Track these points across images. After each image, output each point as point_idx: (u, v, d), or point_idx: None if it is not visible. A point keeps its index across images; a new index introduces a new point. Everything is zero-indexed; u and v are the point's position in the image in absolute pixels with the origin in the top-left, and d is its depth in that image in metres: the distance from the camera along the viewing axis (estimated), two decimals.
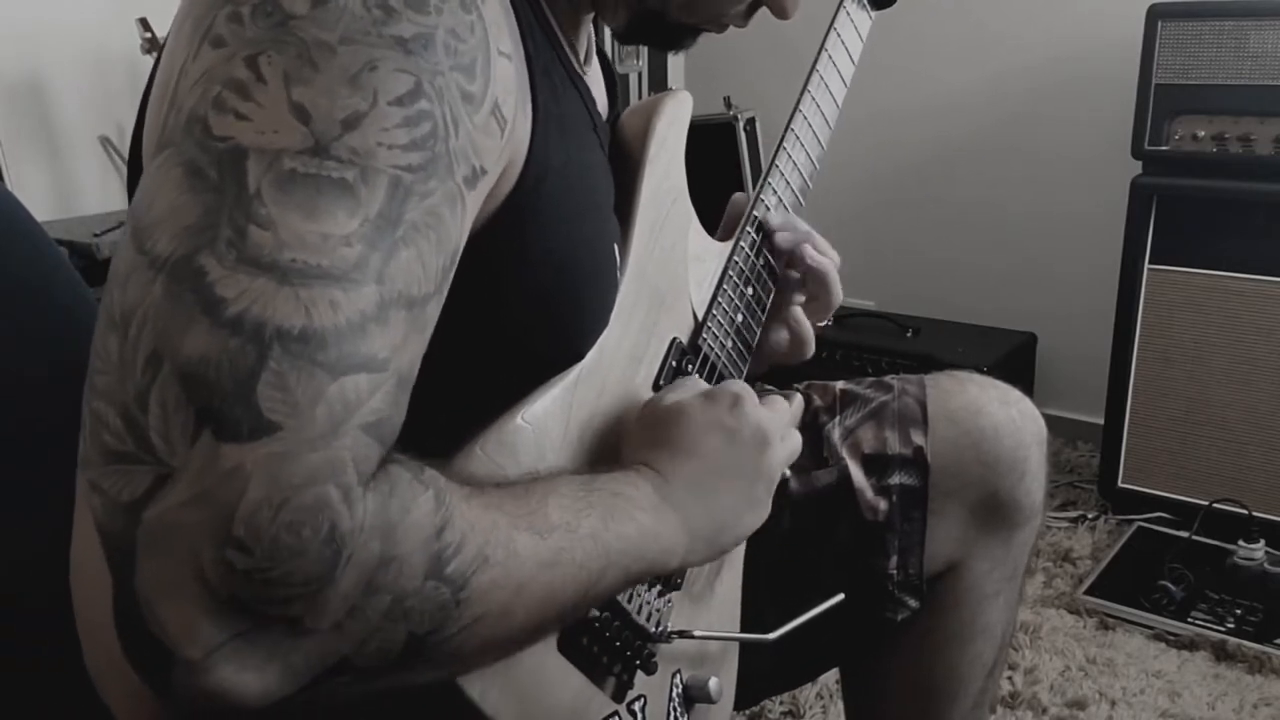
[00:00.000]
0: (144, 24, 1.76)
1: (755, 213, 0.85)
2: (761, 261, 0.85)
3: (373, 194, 0.47)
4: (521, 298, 0.62)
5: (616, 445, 0.69)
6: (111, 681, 0.64)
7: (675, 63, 2.76)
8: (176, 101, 0.49)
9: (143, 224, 0.47)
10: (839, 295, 0.88)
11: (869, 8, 0.93)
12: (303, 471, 0.43)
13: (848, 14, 0.91)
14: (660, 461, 0.66)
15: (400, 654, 0.48)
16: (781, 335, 0.91)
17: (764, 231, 0.85)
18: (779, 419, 0.75)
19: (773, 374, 0.95)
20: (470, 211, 0.54)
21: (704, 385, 0.73)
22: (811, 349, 0.91)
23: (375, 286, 0.47)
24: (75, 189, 1.89)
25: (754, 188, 0.85)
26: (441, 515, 0.49)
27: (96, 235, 1.60)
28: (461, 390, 0.59)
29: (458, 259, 0.53)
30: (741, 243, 0.83)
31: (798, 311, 0.90)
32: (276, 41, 0.48)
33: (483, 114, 0.53)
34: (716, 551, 0.69)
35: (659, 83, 2.63)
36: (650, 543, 0.62)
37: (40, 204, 1.80)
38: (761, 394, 0.94)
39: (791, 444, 0.75)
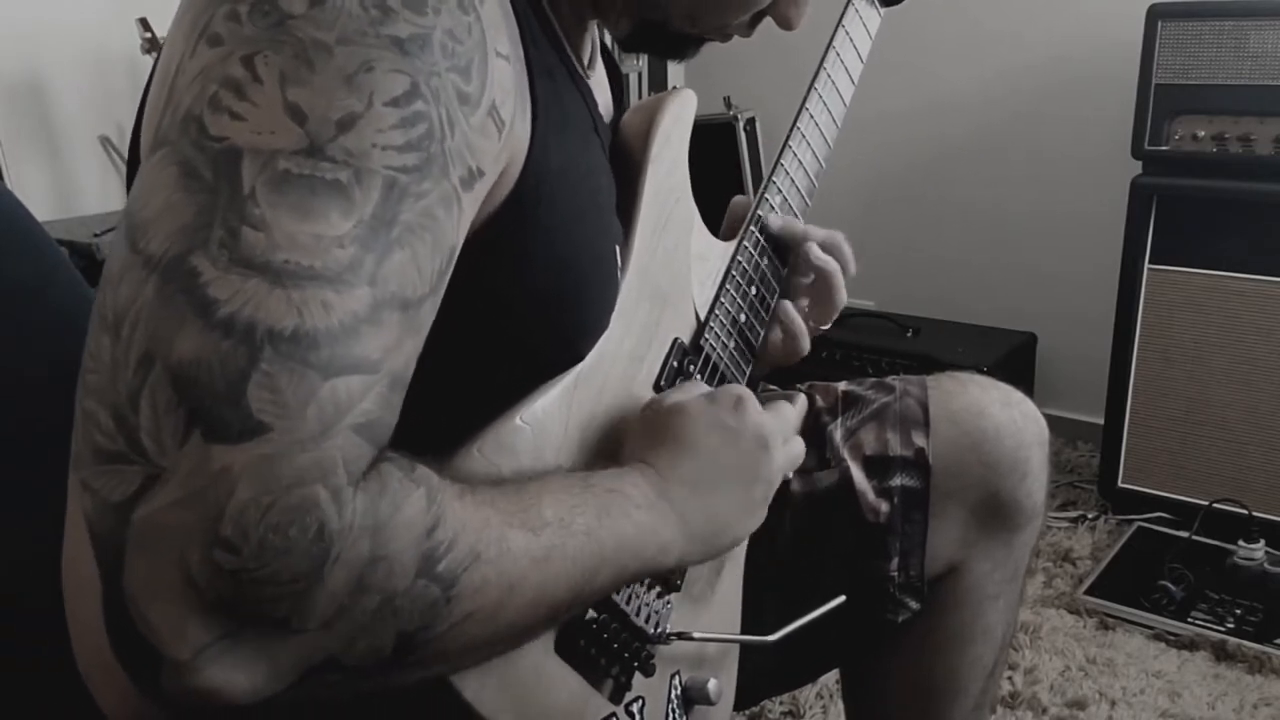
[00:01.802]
0: (144, 24, 1.75)
1: (759, 212, 0.84)
2: (766, 261, 0.85)
3: (367, 195, 0.47)
4: (522, 299, 0.62)
5: (617, 446, 0.69)
6: (101, 681, 0.63)
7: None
8: (173, 99, 0.49)
9: (136, 222, 0.47)
10: (843, 298, 0.87)
11: (878, 5, 0.92)
12: (291, 472, 0.43)
13: (856, 12, 0.90)
14: (659, 459, 0.66)
15: (390, 652, 0.48)
16: (774, 334, 0.89)
17: (766, 232, 0.85)
18: (781, 423, 0.74)
19: (775, 374, 0.94)
20: (467, 213, 0.54)
21: (706, 388, 0.73)
22: (806, 345, 0.89)
23: (368, 288, 0.47)
24: (75, 189, 1.89)
25: (754, 188, 0.85)
26: (433, 513, 0.48)
27: (96, 235, 1.60)
28: (460, 391, 0.58)
29: (454, 261, 0.53)
30: (745, 242, 0.83)
31: (788, 307, 0.87)
32: (273, 41, 0.48)
33: (479, 115, 0.53)
34: (713, 552, 0.69)
35: (659, 83, 2.63)
36: (647, 540, 0.61)
37: (40, 204, 1.80)
38: (765, 396, 0.94)
39: (793, 450, 0.75)
